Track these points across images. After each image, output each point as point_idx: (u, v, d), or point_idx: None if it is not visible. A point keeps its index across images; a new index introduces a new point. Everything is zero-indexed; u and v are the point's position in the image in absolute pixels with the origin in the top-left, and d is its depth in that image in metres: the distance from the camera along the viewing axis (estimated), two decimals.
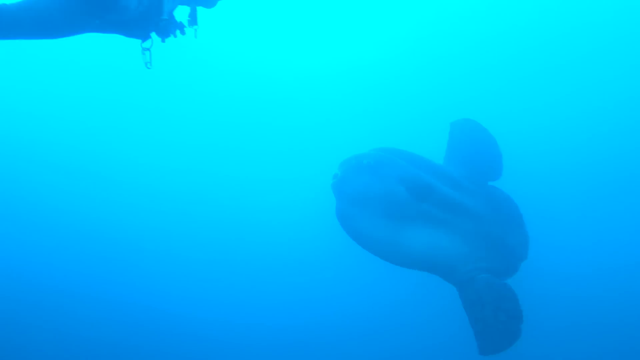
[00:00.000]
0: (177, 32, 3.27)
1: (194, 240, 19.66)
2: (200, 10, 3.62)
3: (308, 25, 16.61)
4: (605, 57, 16.37)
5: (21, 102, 18.52)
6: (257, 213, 20.24)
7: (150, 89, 18.34)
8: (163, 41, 3.24)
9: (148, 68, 3.32)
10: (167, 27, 3.16)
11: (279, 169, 19.45)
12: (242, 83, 18.28)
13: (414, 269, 3.92)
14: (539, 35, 16.38)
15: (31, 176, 17.58)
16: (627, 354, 10.19)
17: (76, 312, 16.61)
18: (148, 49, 3.23)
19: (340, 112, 18.07)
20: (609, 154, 16.29)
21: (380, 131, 18.47)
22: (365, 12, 16.32)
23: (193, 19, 3.50)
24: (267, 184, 19.82)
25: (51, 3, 2.68)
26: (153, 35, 3.19)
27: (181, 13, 3.52)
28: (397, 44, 16.81)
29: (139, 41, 3.24)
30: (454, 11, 15.88)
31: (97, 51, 16.85)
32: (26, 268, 16.95)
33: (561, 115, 16.56)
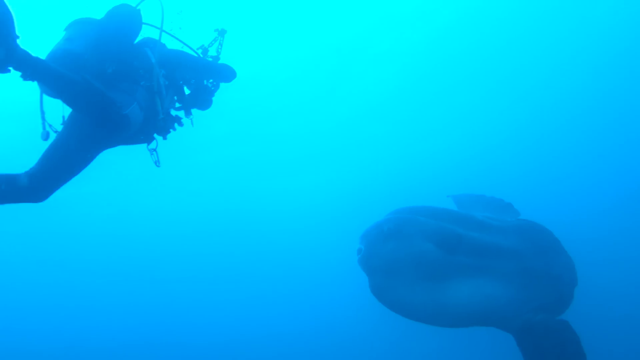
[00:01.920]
0: (176, 125, 3.47)
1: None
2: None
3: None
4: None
5: None
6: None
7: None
8: (165, 138, 3.47)
9: (158, 166, 3.58)
10: (166, 125, 3.36)
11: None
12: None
13: (465, 326, 3.70)
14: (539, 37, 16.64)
15: None
16: None
17: None
18: (154, 150, 3.49)
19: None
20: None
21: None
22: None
23: (188, 112, 3.77)
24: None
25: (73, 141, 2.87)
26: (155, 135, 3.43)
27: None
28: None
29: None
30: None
31: None
32: None
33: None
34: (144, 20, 3.33)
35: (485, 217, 4.29)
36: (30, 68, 2.44)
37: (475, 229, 4.07)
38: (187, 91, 3.84)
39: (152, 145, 3.48)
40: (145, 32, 3.43)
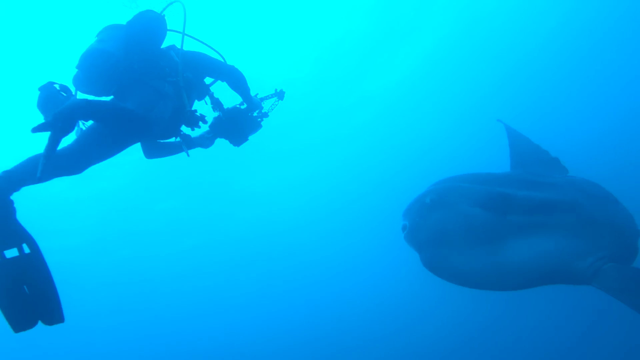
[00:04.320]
0: (200, 123, 3.77)
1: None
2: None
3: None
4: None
5: None
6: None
7: None
8: (193, 130, 3.79)
9: (188, 156, 3.95)
10: (193, 118, 3.66)
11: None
12: None
13: (533, 286, 3.40)
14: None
15: None
16: None
17: None
18: (184, 142, 3.86)
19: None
20: None
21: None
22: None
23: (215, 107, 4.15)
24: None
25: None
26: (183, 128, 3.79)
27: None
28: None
29: None
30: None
31: None
32: None
33: None
34: (169, 27, 3.67)
35: (533, 175, 4.03)
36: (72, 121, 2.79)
37: (524, 187, 3.82)
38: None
39: (182, 137, 3.81)
40: (172, 39, 3.79)
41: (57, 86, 3.19)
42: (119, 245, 19.56)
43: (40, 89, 3.25)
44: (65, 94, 3.30)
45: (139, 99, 3.33)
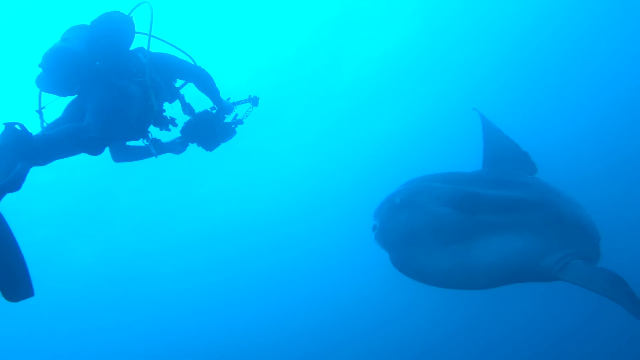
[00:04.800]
0: (170, 126, 3.78)
1: None
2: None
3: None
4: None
5: None
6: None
7: None
8: (161, 130, 3.76)
9: (156, 157, 3.94)
10: (161, 119, 3.64)
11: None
12: None
13: (501, 285, 3.43)
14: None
15: None
16: None
17: None
18: (152, 143, 3.80)
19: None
20: None
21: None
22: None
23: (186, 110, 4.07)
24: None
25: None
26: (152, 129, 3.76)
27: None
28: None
29: None
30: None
31: None
32: None
33: None
34: (137, 30, 3.64)
35: (504, 174, 4.06)
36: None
37: (494, 186, 3.85)
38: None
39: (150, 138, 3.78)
40: (141, 42, 3.77)
41: (17, 127, 2.75)
42: (78, 243, 19.40)
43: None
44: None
45: (101, 102, 3.26)
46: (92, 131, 3.01)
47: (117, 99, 3.31)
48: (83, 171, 15.94)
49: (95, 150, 3.08)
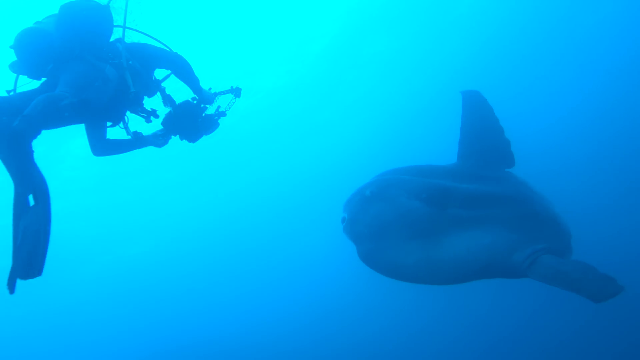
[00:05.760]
0: (152, 117, 3.80)
1: None
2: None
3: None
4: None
5: None
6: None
7: None
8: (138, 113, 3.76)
9: (129, 135, 3.88)
10: (137, 100, 3.64)
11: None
12: None
13: (467, 280, 3.40)
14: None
15: None
16: None
17: None
18: (127, 124, 3.79)
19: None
20: None
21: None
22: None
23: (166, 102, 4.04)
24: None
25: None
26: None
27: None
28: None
29: None
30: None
31: None
32: None
33: None
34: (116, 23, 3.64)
35: (478, 167, 4.00)
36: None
37: (466, 180, 3.80)
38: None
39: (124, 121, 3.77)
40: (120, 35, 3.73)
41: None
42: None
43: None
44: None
45: (74, 76, 3.26)
46: (66, 97, 3.02)
47: (90, 72, 3.31)
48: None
49: (76, 116, 3.11)
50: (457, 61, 16.88)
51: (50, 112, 2.94)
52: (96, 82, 3.30)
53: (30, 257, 2.65)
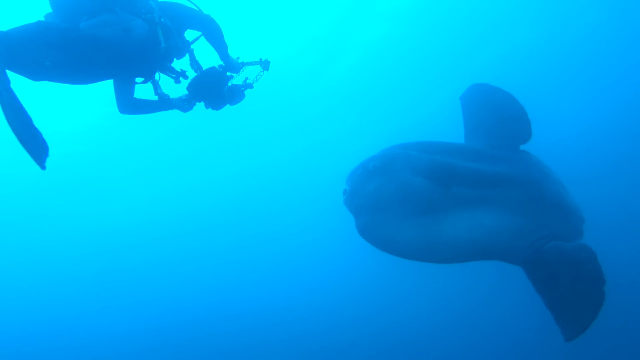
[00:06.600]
0: (181, 78, 3.89)
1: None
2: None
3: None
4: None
5: None
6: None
7: None
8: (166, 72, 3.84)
9: (158, 93, 3.97)
10: (169, 55, 3.67)
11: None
12: None
13: (465, 261, 3.33)
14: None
15: None
16: None
17: None
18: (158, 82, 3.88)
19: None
20: None
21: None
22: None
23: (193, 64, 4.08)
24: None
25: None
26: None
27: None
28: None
29: None
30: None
31: None
32: None
33: None
34: None
35: (489, 147, 3.88)
36: None
37: (475, 159, 3.70)
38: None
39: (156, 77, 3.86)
40: None
41: None
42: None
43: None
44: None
45: (95, 20, 3.33)
46: (77, 29, 3.11)
47: (111, 19, 3.36)
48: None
49: (87, 55, 3.13)
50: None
51: (55, 39, 2.97)
52: (114, 27, 3.33)
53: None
